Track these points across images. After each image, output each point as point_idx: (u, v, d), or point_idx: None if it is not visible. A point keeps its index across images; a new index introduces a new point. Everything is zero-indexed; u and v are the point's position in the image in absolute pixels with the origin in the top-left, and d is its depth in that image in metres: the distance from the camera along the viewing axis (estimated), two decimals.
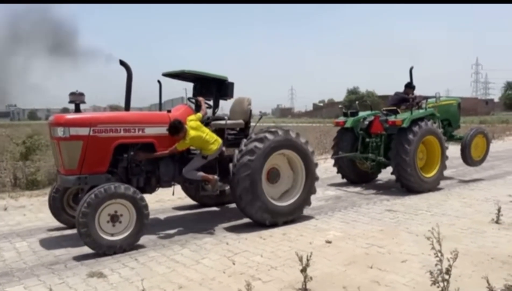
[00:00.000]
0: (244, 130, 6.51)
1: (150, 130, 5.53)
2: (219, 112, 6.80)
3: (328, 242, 5.16)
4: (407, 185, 8.07)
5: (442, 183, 8.70)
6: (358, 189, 8.82)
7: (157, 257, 4.78)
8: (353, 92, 74.38)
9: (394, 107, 8.83)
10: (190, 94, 7.05)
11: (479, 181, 9.43)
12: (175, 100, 8.37)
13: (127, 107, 5.84)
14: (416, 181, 8.01)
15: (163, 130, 5.56)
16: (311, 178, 6.29)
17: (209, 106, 6.56)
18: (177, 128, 5.46)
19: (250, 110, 6.49)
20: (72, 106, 5.64)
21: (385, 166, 8.85)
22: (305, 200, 6.28)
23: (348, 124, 9.01)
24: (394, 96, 9.34)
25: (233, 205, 6.92)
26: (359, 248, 4.94)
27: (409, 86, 9.17)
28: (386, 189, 8.75)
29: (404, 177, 7.96)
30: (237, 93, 6.70)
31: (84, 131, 5.09)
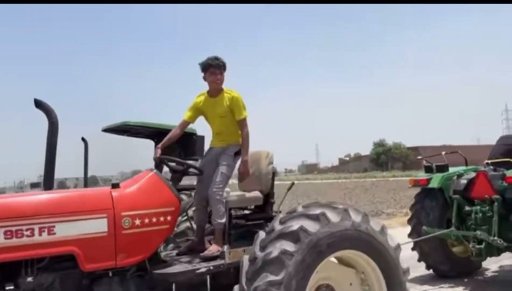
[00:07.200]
0: (263, 208, 3.76)
1: (66, 229, 2.76)
2: None
3: None
4: None
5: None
6: None
7: None
8: (380, 144, 72.29)
9: (507, 159, 5.80)
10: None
11: None
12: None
13: (49, 182, 3.07)
14: None
15: (99, 224, 2.85)
16: None
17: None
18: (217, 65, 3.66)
19: (273, 173, 3.77)
20: None
21: (499, 251, 5.41)
22: None
23: (434, 184, 5.85)
24: (502, 143, 6.24)
25: None
26: None
27: None
28: None
29: None
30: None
31: None
